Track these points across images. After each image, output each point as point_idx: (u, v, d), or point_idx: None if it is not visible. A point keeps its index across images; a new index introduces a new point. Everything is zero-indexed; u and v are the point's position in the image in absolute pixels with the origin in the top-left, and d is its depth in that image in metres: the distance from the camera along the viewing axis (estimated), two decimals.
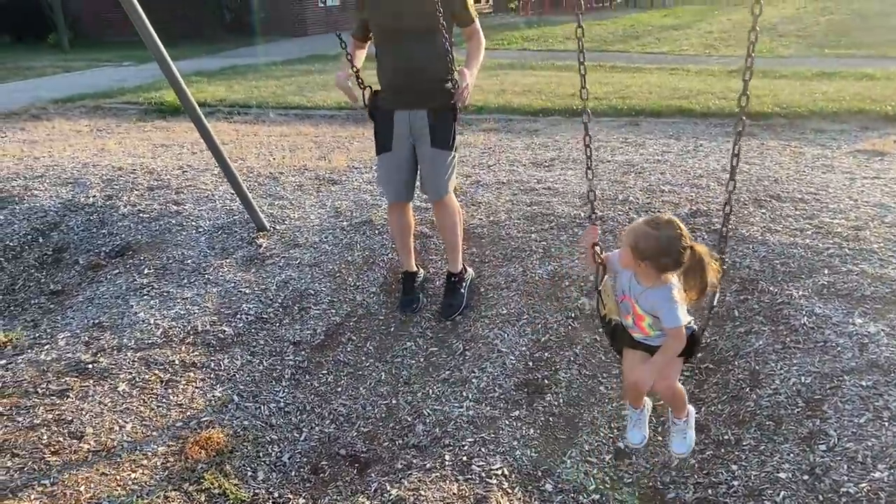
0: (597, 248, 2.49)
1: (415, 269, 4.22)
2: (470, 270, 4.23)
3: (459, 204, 4.18)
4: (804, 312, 3.61)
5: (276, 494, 2.87)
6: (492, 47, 16.50)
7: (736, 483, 2.84)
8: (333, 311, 4.08)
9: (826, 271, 3.92)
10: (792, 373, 3.28)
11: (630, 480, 2.96)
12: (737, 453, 2.98)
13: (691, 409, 2.70)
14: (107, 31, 22.28)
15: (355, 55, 3.73)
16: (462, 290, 4.07)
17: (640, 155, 6.55)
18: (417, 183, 3.99)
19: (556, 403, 3.36)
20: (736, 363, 3.46)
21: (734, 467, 2.91)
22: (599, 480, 2.92)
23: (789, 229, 4.41)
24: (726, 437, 3.08)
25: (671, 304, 2.31)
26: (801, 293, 3.76)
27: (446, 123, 3.69)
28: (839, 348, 3.34)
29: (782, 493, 2.71)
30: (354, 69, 3.69)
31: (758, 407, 3.17)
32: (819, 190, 5.14)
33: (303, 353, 3.77)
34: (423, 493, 2.77)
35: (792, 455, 2.87)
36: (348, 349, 3.83)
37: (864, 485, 2.64)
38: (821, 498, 2.65)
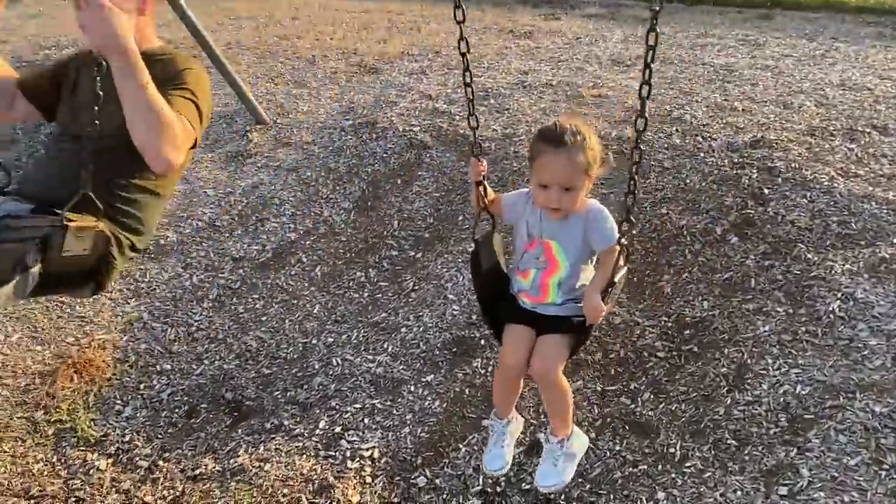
0: (482, 189, 1.93)
1: None
2: None
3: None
4: (838, 297, 2.70)
5: (126, 438, 2.57)
6: None
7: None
8: (292, 225, 3.64)
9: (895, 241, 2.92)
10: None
11: None
12: None
13: (577, 430, 2.01)
14: None
15: None
16: None
17: (751, 58, 5.39)
18: None
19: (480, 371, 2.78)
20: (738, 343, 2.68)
21: None
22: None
23: (872, 175, 3.35)
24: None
25: (607, 217, 1.84)
26: (844, 267, 2.82)
27: None
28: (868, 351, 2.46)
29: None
30: None
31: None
32: None
33: (240, 270, 3.40)
34: (266, 469, 2.36)
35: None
36: (292, 273, 3.40)
37: None
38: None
